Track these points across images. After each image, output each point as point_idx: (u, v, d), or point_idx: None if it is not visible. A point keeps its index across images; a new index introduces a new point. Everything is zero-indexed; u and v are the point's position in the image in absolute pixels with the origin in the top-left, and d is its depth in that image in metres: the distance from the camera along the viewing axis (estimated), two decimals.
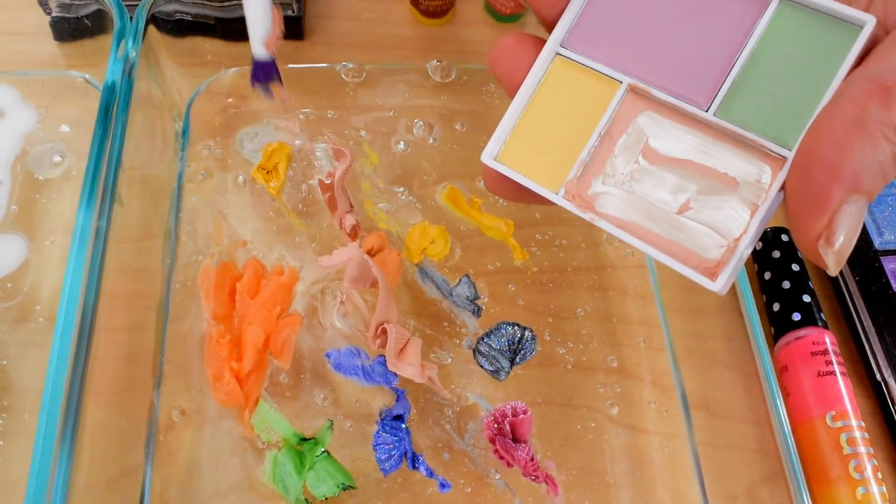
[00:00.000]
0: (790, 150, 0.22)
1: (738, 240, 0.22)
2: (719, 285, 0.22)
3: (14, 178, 0.39)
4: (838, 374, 0.37)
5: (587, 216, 0.24)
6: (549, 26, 0.26)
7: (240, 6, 0.43)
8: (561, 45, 0.25)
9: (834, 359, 0.38)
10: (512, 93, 0.26)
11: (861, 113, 0.19)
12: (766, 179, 0.22)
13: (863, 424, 0.36)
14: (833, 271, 0.20)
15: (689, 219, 0.23)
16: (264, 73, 0.35)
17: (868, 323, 0.41)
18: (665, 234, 0.23)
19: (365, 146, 0.41)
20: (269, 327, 0.35)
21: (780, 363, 0.39)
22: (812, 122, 0.21)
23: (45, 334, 0.36)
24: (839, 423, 0.36)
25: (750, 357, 0.35)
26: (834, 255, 0.20)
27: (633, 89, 0.24)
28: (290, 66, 0.44)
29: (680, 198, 0.23)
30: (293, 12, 0.46)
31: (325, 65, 0.44)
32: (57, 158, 0.40)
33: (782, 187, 0.22)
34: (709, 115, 0.23)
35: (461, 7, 0.49)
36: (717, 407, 0.37)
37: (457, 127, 0.43)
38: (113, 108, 0.35)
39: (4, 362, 0.35)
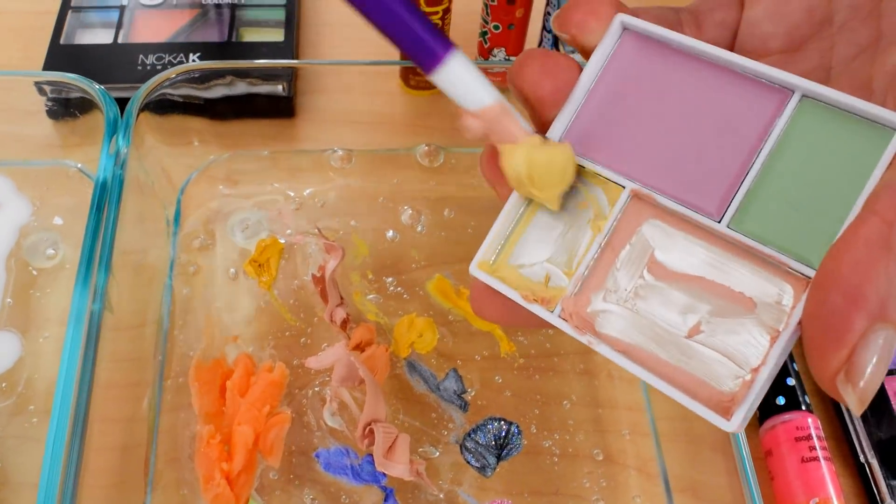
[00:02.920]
0: (814, 269, 0.19)
1: (756, 370, 0.19)
2: (734, 425, 0.19)
3: (9, 271, 0.40)
4: (822, 459, 0.38)
5: (585, 339, 0.21)
6: (544, 127, 0.23)
7: (224, 85, 0.44)
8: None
9: (818, 444, 0.38)
10: (504, 196, 0.23)
11: (888, 231, 0.17)
12: (787, 301, 0.19)
13: None
14: (856, 411, 0.17)
15: (700, 344, 0.20)
16: None
17: None
18: (673, 361, 0.20)
19: (354, 237, 0.42)
20: (259, 426, 0.36)
21: (764, 447, 0.40)
22: (837, 239, 0.18)
23: (40, 429, 0.37)
24: None
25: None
26: (856, 393, 0.17)
27: (636, 195, 0.22)
28: (279, 149, 0.45)
29: (690, 319, 0.20)
30: (284, 91, 0.46)
31: (314, 150, 0.44)
32: (51, 252, 0.41)
33: None
34: (721, 227, 0.20)
35: None
36: (703, 490, 0.38)
37: (445, 213, 0.43)
38: (105, 202, 0.36)
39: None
